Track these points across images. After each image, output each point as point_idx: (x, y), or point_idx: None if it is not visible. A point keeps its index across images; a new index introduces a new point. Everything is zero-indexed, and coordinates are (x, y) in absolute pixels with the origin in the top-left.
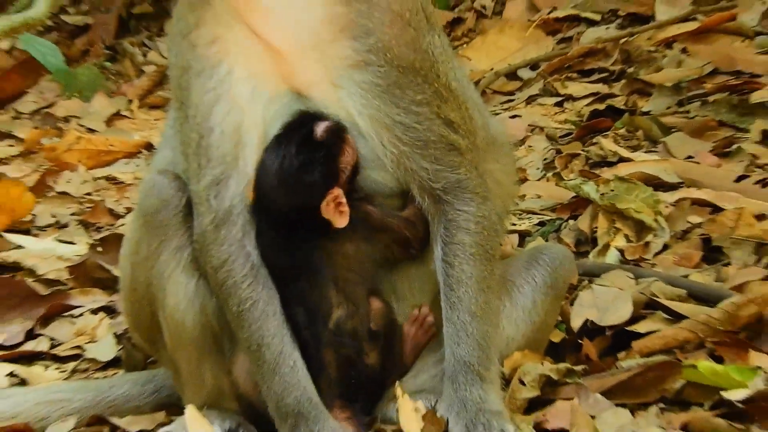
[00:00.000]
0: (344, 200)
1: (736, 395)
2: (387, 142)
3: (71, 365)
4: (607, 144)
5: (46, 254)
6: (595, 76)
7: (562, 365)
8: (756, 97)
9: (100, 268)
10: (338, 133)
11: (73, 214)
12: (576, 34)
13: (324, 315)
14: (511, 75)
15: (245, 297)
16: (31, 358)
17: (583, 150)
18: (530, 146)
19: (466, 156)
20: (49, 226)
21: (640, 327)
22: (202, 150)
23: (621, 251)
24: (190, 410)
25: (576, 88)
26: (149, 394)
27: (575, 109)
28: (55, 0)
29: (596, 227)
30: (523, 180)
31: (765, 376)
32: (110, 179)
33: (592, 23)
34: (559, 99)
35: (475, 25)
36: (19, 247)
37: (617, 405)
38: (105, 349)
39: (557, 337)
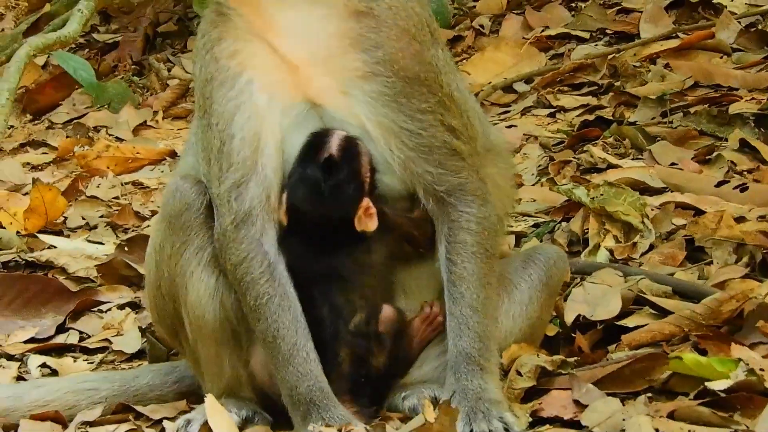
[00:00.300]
0: (373, 207)
1: (719, 385)
2: (394, 147)
3: (99, 357)
4: (596, 152)
5: (76, 253)
6: (585, 89)
7: (557, 357)
8: (734, 108)
9: (127, 266)
10: (354, 147)
11: (101, 217)
12: (567, 51)
13: (346, 317)
14: (507, 88)
15: (262, 292)
16: (61, 351)
17: (574, 157)
18: (525, 154)
19: (467, 161)
20: (80, 227)
21: (629, 321)
22: (223, 155)
23: (610, 251)
24: (210, 399)
25: (567, 100)
26: (171, 383)
27: (567, 119)
28: (87, 20)
29: (587, 229)
30: (519, 185)
31: (746, 368)
32: (136, 184)
33: (581, 41)
34: (552, 110)
35: (473, 42)
36: (52, 246)
37: (608, 394)
38: (130, 341)
39: (552, 330)
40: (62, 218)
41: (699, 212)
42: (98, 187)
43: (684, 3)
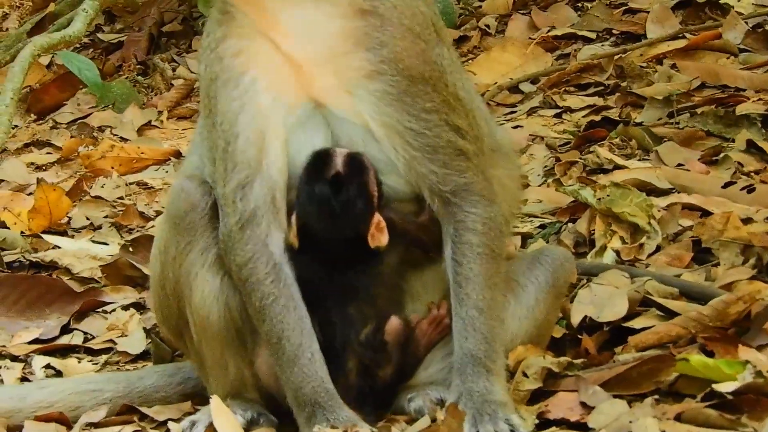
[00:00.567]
0: (383, 221)
1: (726, 387)
2: (399, 147)
3: (103, 358)
4: (603, 152)
5: (80, 254)
6: (591, 90)
7: (563, 359)
8: (741, 109)
9: (131, 267)
10: (360, 163)
11: (106, 217)
12: (573, 51)
13: (357, 327)
14: (513, 89)
15: (267, 293)
16: (66, 351)
17: (580, 158)
18: (531, 154)
19: (473, 161)
20: (84, 227)
21: (636, 323)
22: (228, 155)
23: (617, 252)
24: (215, 401)
25: (573, 100)
26: (176, 385)
27: (573, 120)
28: (92, 20)
29: (593, 230)
30: (525, 186)
31: (753, 370)
32: (141, 184)
33: (588, 41)
34: (558, 111)
35: (479, 42)
36: (56, 247)
37: (615, 396)
38: (135, 342)
39: (558, 332)
40: (66, 218)
41: (706, 213)
42: (103, 187)
43: (691, 3)
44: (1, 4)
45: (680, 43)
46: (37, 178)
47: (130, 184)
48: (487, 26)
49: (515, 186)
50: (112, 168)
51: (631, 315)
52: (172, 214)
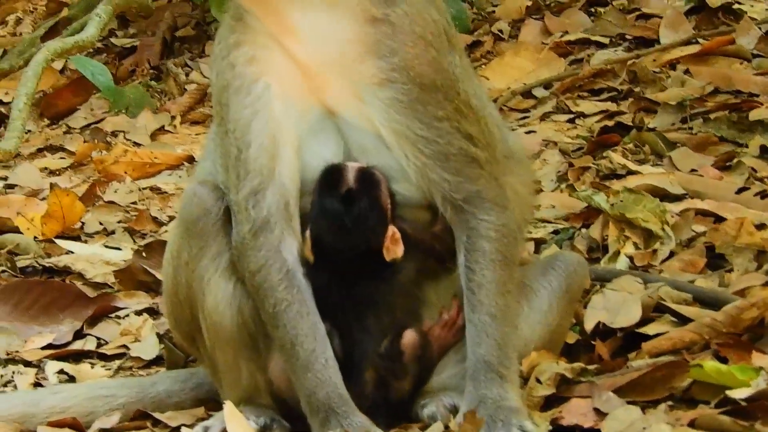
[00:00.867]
0: (398, 233)
1: (740, 394)
2: (410, 155)
3: (116, 363)
4: (616, 158)
5: (94, 259)
6: (605, 95)
7: (577, 365)
8: (754, 114)
9: (144, 272)
10: (371, 176)
11: (119, 222)
12: (586, 56)
13: (376, 339)
14: (526, 94)
15: (281, 299)
16: (79, 357)
17: (593, 163)
18: (545, 160)
19: (485, 168)
20: (97, 232)
21: (649, 329)
22: (240, 163)
23: (630, 258)
24: (228, 406)
25: (587, 105)
26: (189, 390)
27: (586, 125)
28: (105, 24)
29: (607, 235)
30: (538, 191)
31: (767, 376)
32: (154, 189)
33: (601, 46)
34: (571, 116)
35: (492, 47)
36: (69, 252)
37: (628, 402)
38: (148, 348)
39: (572, 338)
40: (80, 223)
41: (719, 219)
42: (116, 192)
43: (704, 8)
44: (14, 8)
45: (693, 49)
46: (51, 183)
47: (144, 189)
48: (501, 31)
49: (528, 192)
50: (126, 173)
51: (644, 321)
52: (185, 219)
